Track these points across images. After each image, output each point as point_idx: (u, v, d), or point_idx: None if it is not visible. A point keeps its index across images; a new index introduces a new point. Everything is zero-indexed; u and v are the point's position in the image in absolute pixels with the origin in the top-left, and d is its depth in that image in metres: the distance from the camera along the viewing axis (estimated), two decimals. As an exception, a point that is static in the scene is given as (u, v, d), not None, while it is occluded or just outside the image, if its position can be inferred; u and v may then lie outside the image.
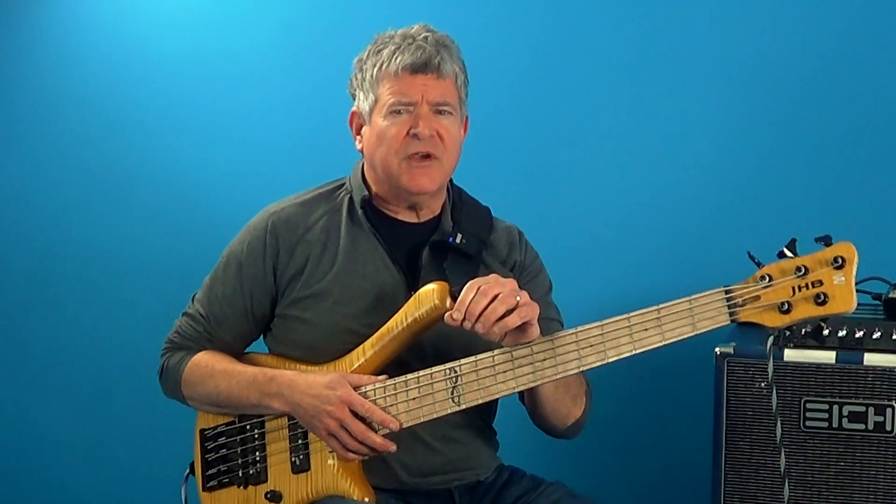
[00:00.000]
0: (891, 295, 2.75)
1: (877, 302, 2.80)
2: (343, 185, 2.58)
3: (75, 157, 3.69)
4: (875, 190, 3.14)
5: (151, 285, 3.61)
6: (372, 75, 2.45)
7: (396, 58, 2.41)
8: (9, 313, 3.83)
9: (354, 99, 2.53)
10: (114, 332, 3.71)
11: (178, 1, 3.59)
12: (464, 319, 2.24)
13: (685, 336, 2.22)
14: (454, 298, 2.30)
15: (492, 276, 2.29)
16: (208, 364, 2.53)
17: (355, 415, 2.35)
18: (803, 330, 2.21)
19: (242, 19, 3.54)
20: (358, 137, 2.53)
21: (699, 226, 3.26)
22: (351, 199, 2.53)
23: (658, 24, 3.26)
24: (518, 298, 2.24)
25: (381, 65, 2.43)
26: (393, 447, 2.37)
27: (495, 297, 2.22)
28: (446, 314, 2.27)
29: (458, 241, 2.48)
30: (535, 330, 2.28)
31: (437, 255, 2.49)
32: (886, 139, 3.13)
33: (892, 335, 2.62)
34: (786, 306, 2.15)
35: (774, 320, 2.16)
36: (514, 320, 2.23)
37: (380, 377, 2.39)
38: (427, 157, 2.43)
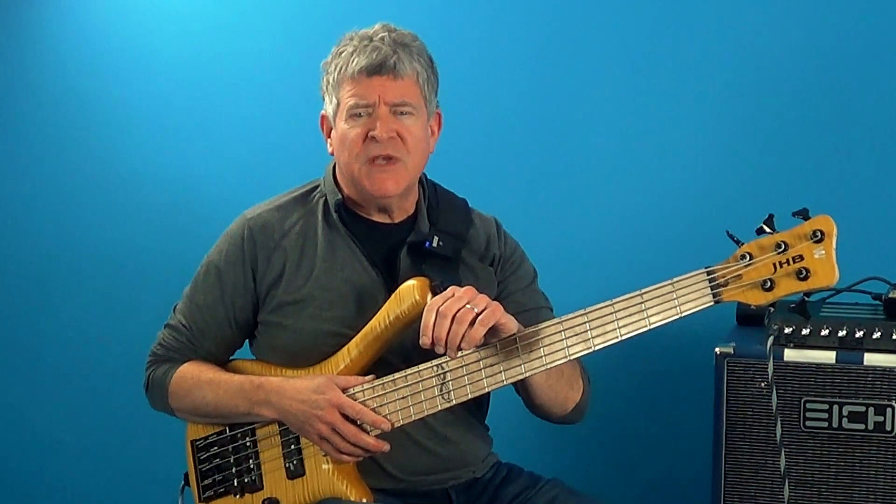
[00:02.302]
0: (891, 295, 2.73)
1: (877, 302, 2.79)
2: (317, 187, 2.56)
3: (73, 158, 3.71)
4: (874, 190, 3.11)
5: (151, 287, 3.61)
6: (334, 78, 2.45)
7: (353, 60, 2.40)
8: (8, 314, 3.83)
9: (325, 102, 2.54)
10: (114, 335, 3.70)
11: (176, 3, 3.62)
12: (433, 344, 2.24)
13: (670, 319, 2.20)
14: (434, 293, 2.30)
15: (449, 289, 2.27)
16: (194, 375, 2.51)
17: (346, 417, 2.34)
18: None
19: (242, 20, 3.56)
20: (328, 141, 2.52)
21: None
22: (325, 202, 2.52)
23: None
24: (475, 310, 2.22)
25: (341, 68, 2.43)
26: (386, 447, 2.36)
27: (454, 315, 2.22)
28: (421, 338, 2.25)
29: (434, 244, 2.46)
30: (510, 325, 2.28)
31: (416, 258, 2.47)
32: (889, 138, 3.11)
33: (892, 335, 2.60)
34: (768, 284, 2.13)
35: (758, 298, 2.15)
36: (478, 331, 2.22)
37: (367, 377, 2.38)
38: (388, 159, 2.41)
